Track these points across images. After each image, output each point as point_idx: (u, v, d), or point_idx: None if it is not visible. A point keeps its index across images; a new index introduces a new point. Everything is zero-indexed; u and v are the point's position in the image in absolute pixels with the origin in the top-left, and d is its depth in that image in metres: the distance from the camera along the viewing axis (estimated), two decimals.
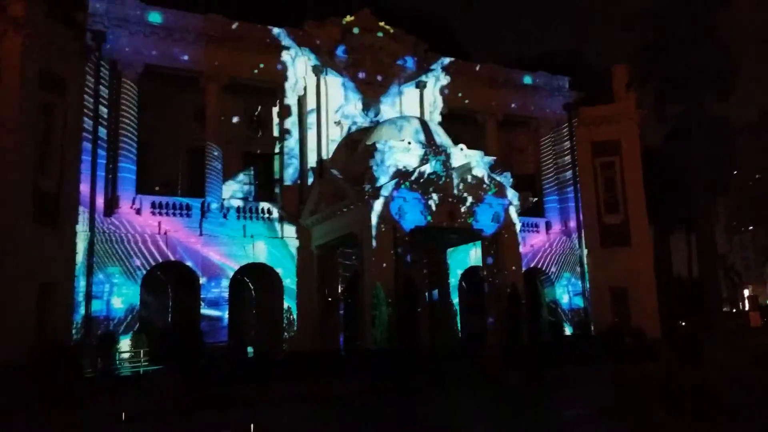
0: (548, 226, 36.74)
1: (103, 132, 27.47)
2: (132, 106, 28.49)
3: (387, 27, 33.25)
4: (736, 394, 19.73)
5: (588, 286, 36.40)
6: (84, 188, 26.58)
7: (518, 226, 28.59)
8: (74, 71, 26.60)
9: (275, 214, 30.42)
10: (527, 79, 37.48)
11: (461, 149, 27.44)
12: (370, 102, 33.04)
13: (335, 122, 31.97)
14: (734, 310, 70.10)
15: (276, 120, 32.97)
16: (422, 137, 28.03)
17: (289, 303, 29.87)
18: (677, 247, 49.72)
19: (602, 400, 19.92)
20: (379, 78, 33.29)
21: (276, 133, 32.96)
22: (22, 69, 24.02)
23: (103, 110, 27.64)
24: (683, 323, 43.90)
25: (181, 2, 29.96)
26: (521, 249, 29.07)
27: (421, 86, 34.28)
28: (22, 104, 23.96)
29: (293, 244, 30.35)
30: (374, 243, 25.03)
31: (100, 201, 26.98)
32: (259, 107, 33.10)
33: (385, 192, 25.13)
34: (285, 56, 31.54)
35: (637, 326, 33.99)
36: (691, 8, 38.84)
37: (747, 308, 71.38)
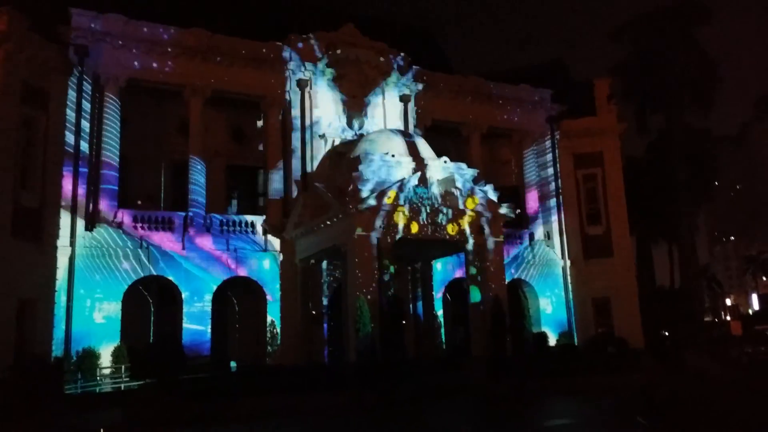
0: (531, 237, 36.92)
1: (85, 146, 27.33)
2: (114, 120, 28.38)
3: (371, 41, 33.42)
4: (718, 403, 19.90)
5: (571, 296, 36.60)
6: (65, 203, 26.40)
7: (501, 238, 28.71)
8: (57, 85, 26.51)
9: (259, 227, 30.35)
10: (510, 92, 37.74)
11: (444, 162, 27.58)
12: (354, 115, 33.11)
13: (319, 135, 32.01)
14: (716, 320, 70.74)
15: (260, 133, 32.95)
16: (406, 150, 28.13)
17: (272, 316, 29.72)
18: (659, 257, 50.23)
19: (586, 410, 20.00)
20: (363, 91, 33.41)
21: (260, 146, 32.95)
22: (4, 83, 24.01)
23: (86, 124, 27.50)
24: (666, 333, 44.24)
25: (165, 16, 29.98)
26: (504, 260, 29.17)
27: (404, 99, 34.44)
28: (4, 118, 23.89)
29: (277, 257, 30.28)
30: (358, 255, 25.04)
31: (81, 215, 26.79)
32: (243, 121, 33.07)
33: (368, 204, 25.17)
34: (269, 70, 31.55)
35: (620, 336, 34.27)
36: (672, 22, 39.40)
37: (728, 317, 71.99)
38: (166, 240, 28.24)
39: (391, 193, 25.65)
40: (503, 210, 28.16)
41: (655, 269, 48.93)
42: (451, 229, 26.88)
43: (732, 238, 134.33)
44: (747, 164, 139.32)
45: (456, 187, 26.99)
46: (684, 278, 38.49)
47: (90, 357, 24.99)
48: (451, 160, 28.02)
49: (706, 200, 54.63)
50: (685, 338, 35.30)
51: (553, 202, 37.65)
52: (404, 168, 26.91)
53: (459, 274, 32.48)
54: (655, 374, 27.22)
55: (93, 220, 27.14)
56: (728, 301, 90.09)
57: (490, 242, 27.78)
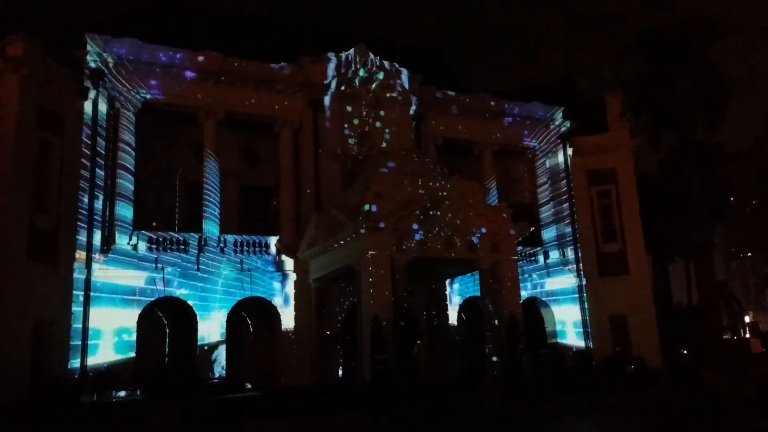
0: (546, 255, 36.72)
1: (100, 168, 27.57)
2: (129, 143, 28.67)
3: (382, 60, 33.62)
4: (737, 422, 19.54)
5: (587, 314, 36.23)
6: (81, 225, 26.58)
7: (516, 256, 28.56)
8: (72, 109, 26.79)
9: (273, 247, 30.41)
10: (521, 110, 37.75)
11: (457, 180, 27.55)
12: (366, 134, 33.19)
13: (332, 155, 32.09)
14: (735, 337, 69.67)
15: (273, 154, 33.10)
16: (418, 168, 28.13)
17: (286, 337, 29.64)
18: (676, 274, 49.64)
19: (604, 430, 19.71)
20: (375, 110, 33.54)
21: (273, 166, 33.09)
22: (20, 108, 24.26)
23: (101, 147, 27.77)
24: (684, 351, 43.61)
25: (178, 40, 30.32)
26: (519, 279, 28.97)
27: (416, 118, 34.50)
28: (20, 142, 24.14)
29: (291, 277, 30.28)
30: (371, 275, 24.97)
31: (97, 238, 26.95)
32: (256, 141, 33.28)
33: (382, 224, 25.14)
34: (281, 91, 31.77)
35: (638, 355, 33.81)
36: (683, 37, 39.25)
37: (747, 335, 71.02)
38: (180, 261, 28.36)
39: (404, 212, 25.61)
40: (517, 228, 28.04)
41: (672, 287, 48.35)
42: (464, 248, 26.75)
43: (749, 254, 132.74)
44: (761, 180, 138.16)
45: (469, 206, 26.93)
46: (701, 295, 37.94)
47: (105, 378, 25.00)
48: (464, 179, 27.99)
49: (721, 216, 54.02)
50: (704, 357, 34.73)
51: (567, 219, 37.44)
52: (416, 187, 26.87)
53: (474, 292, 32.27)
54: (674, 393, 26.83)
55: (108, 242, 27.33)
56: (747, 318, 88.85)
57: (505, 261, 27.62)
